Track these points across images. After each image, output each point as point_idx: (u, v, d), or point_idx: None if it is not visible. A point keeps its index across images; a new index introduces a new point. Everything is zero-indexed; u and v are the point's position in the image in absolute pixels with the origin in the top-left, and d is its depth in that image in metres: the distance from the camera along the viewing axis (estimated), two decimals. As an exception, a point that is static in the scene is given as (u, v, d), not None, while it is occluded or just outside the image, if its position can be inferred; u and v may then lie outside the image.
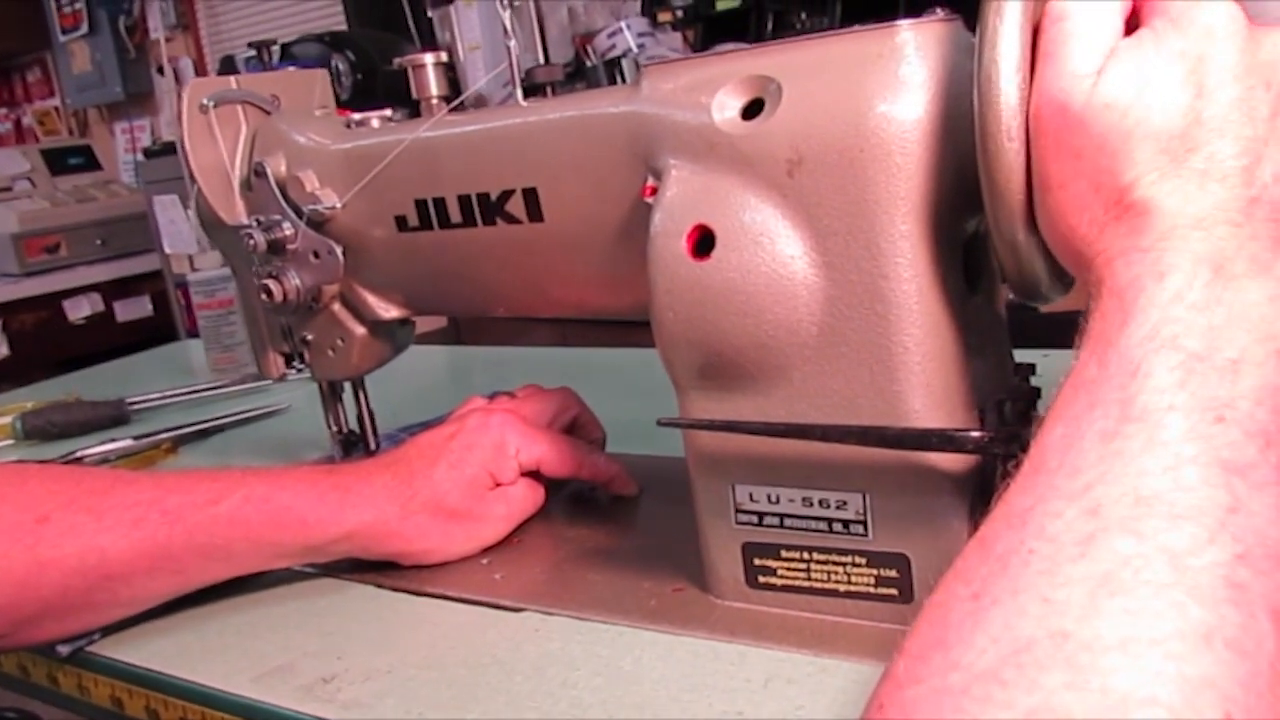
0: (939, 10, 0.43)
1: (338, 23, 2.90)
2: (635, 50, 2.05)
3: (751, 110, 0.44)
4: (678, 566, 0.53)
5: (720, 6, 2.04)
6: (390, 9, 2.46)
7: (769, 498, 0.46)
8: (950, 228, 0.42)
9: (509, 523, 0.59)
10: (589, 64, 2.05)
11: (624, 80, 1.89)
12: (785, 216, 0.43)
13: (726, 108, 0.45)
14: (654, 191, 0.47)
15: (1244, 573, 0.24)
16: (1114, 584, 0.24)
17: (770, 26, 2.00)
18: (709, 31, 2.11)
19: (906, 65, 0.41)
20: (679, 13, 2.10)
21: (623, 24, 2.10)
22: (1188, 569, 0.24)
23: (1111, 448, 0.27)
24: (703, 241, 0.44)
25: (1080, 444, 0.28)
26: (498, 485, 0.59)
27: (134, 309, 3.19)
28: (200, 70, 3.47)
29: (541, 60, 2.20)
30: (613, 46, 2.08)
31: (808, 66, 0.43)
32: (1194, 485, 0.26)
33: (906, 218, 0.41)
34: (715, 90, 0.45)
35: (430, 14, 2.41)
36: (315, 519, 0.54)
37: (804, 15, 1.99)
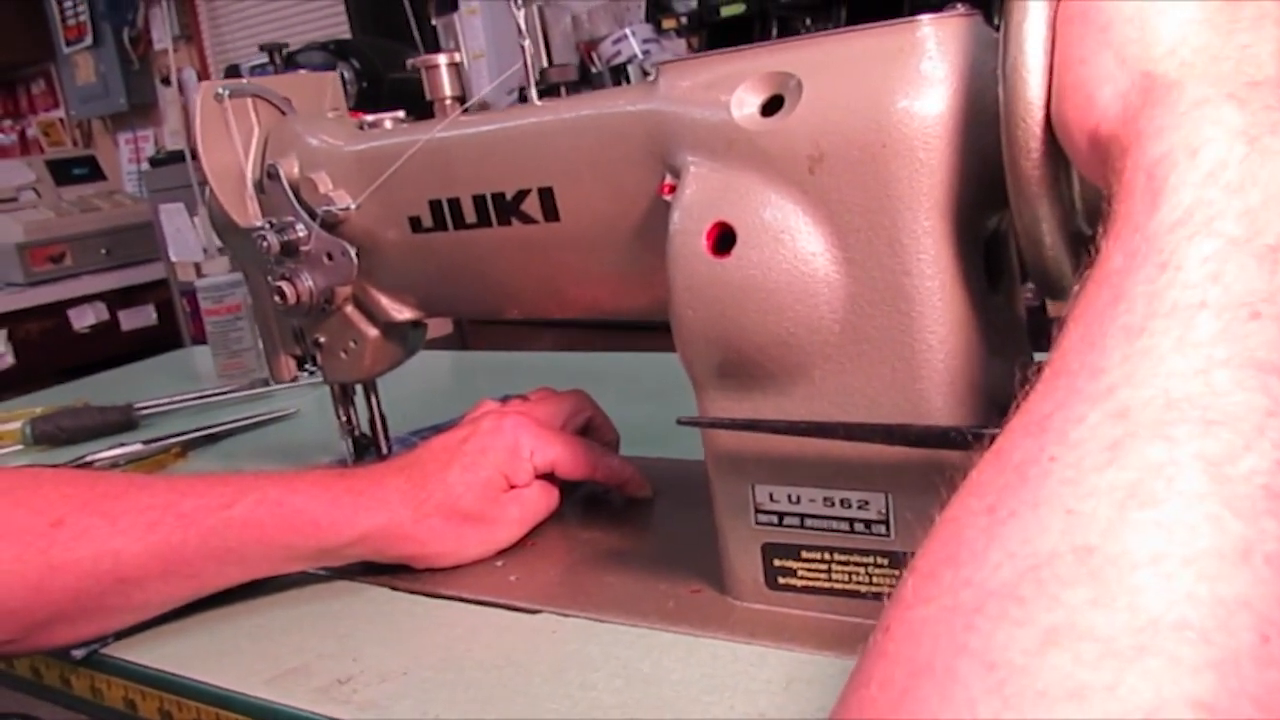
0: (959, 5, 0.43)
1: (341, 31, 2.91)
2: (640, 57, 2.05)
3: (771, 107, 0.44)
4: (694, 568, 0.52)
5: (725, 13, 2.04)
6: (394, 17, 2.46)
7: (789, 498, 0.46)
8: (972, 224, 0.42)
9: (523, 525, 0.59)
10: (594, 70, 2.05)
11: (629, 87, 1.89)
12: (806, 213, 0.42)
13: (746, 104, 0.44)
14: (672, 189, 0.46)
15: None
16: (1144, 494, 0.22)
17: (775, 33, 2.00)
18: (713, 38, 2.11)
19: (928, 60, 0.41)
20: (683, 19, 2.10)
21: (627, 30, 2.10)
22: (1224, 478, 0.22)
23: (1138, 346, 0.25)
24: (723, 239, 0.44)
25: (1103, 343, 0.25)
26: (512, 488, 0.59)
27: (138, 318, 3.19)
28: (204, 80, 3.47)
29: (544, 63, 2.20)
30: (618, 53, 2.08)
31: (828, 62, 0.43)
32: (1228, 389, 0.23)
33: (929, 214, 0.40)
34: (734, 87, 0.45)
35: (434, 22, 2.41)
36: (329, 522, 0.54)
37: (809, 21, 1.99)
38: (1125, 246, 0.27)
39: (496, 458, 0.58)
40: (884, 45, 0.42)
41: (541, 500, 0.60)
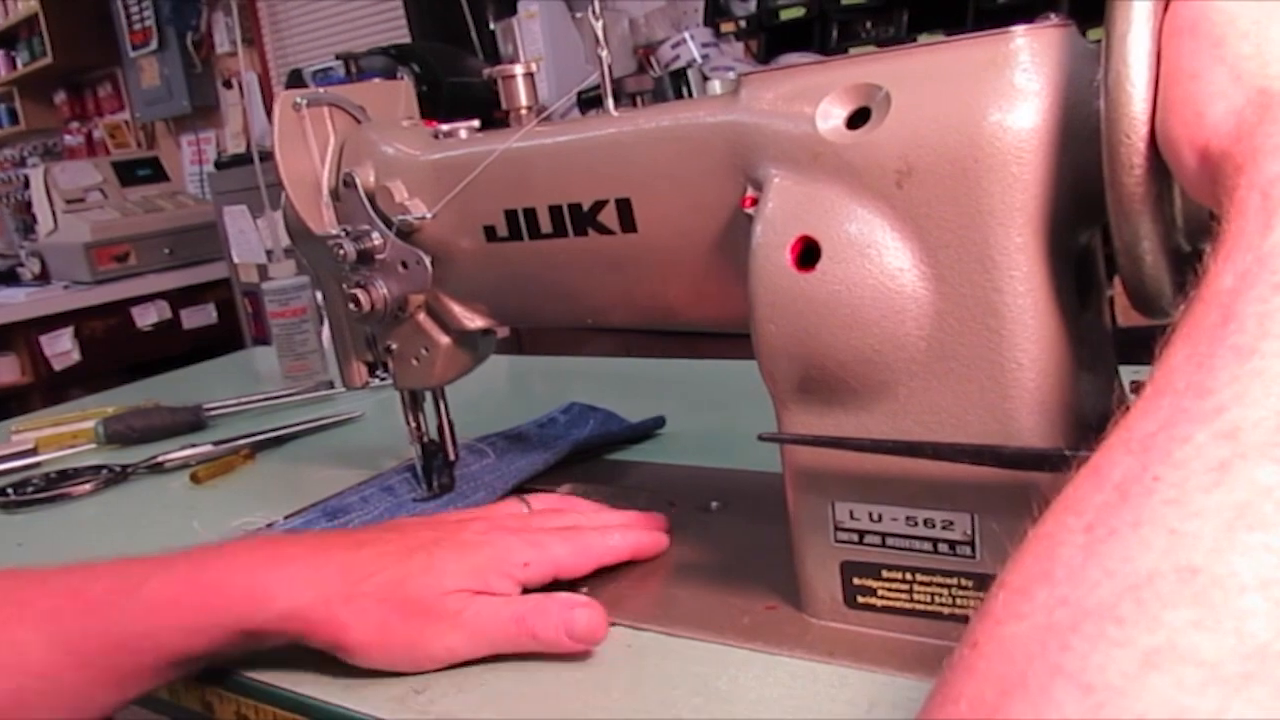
0: (1051, 16, 0.42)
1: (400, 36, 2.94)
2: (699, 61, 2.05)
3: (857, 119, 0.43)
4: (768, 583, 0.52)
5: (784, 16, 2.03)
6: (453, 22, 2.49)
7: (870, 516, 0.45)
8: (1064, 240, 0.41)
9: (484, 640, 0.48)
10: (652, 75, 2.05)
11: (689, 91, 1.88)
12: (893, 228, 0.42)
13: (831, 116, 0.44)
14: (754, 202, 0.46)
15: None
16: (1252, 517, 0.21)
17: (835, 36, 1.99)
18: (772, 41, 2.10)
19: (1022, 72, 0.40)
20: (742, 23, 2.10)
21: (686, 35, 2.09)
22: None
23: (1248, 367, 0.24)
24: (806, 253, 0.44)
25: (1212, 363, 0.24)
26: (485, 594, 0.49)
27: (199, 316, 3.25)
28: (265, 84, 3.53)
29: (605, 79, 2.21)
30: (676, 57, 2.08)
31: (917, 74, 0.42)
32: None
33: (1022, 230, 0.39)
34: (818, 99, 0.44)
35: (493, 27, 2.43)
36: (245, 596, 0.47)
37: (869, 24, 1.97)
38: (1237, 267, 0.26)
39: (475, 559, 0.50)
40: (975, 57, 0.41)
41: (516, 610, 0.48)
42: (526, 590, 0.51)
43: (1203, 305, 0.26)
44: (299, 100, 0.62)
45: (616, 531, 0.57)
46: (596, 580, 0.56)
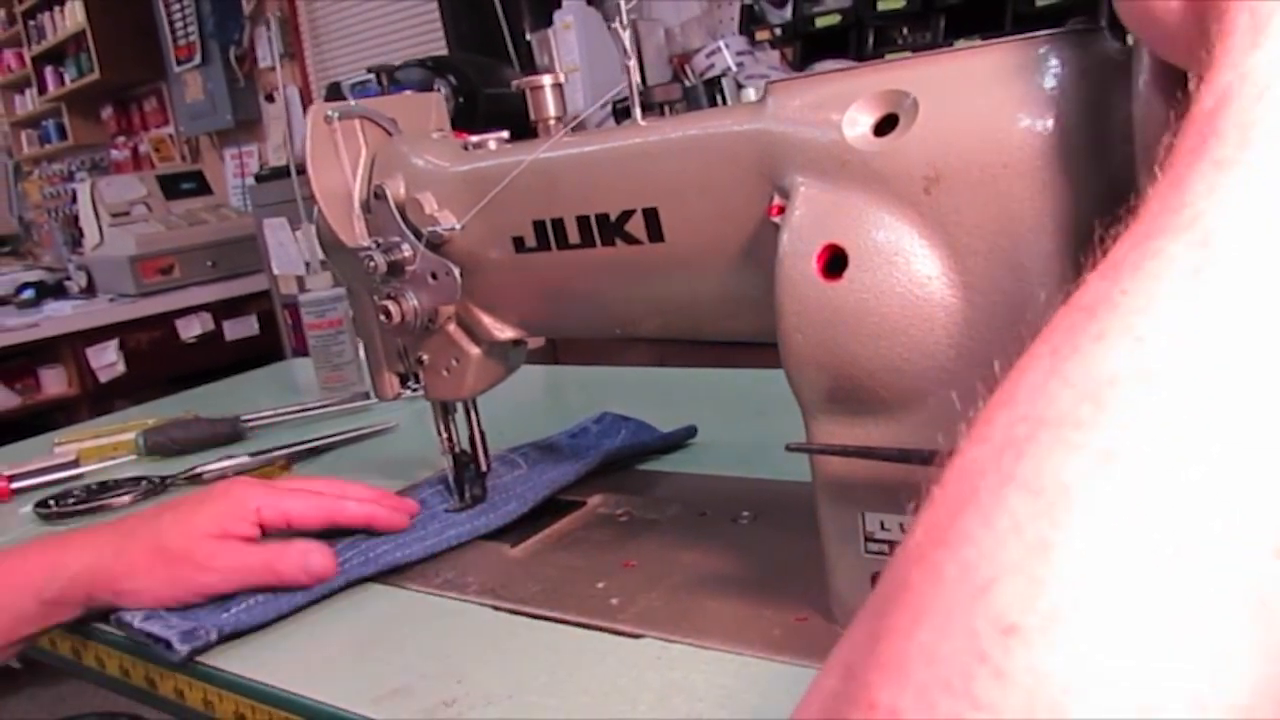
0: (1077, 20, 0.41)
1: (438, 48, 2.96)
2: (734, 69, 2.05)
3: (885, 126, 0.43)
4: (798, 594, 0.51)
5: (819, 24, 2.02)
6: (489, 34, 2.50)
7: (901, 527, 0.45)
8: (1096, 247, 0.40)
9: (238, 574, 0.58)
10: (687, 84, 2.05)
11: (724, 99, 1.88)
12: (922, 235, 0.41)
13: (858, 124, 0.43)
14: (781, 210, 0.46)
15: None
16: (1223, 320, 0.20)
17: (871, 43, 1.98)
18: (807, 49, 2.10)
19: (1051, 77, 0.39)
20: (777, 31, 2.09)
21: (721, 43, 2.09)
22: None
23: (1229, 176, 0.22)
24: (834, 261, 0.43)
25: (1189, 178, 0.23)
26: (228, 537, 0.59)
27: (242, 328, 3.29)
28: (306, 97, 3.58)
29: (639, 81, 2.21)
30: (711, 66, 2.08)
31: (944, 81, 0.42)
32: None
33: (1054, 236, 0.39)
34: (845, 106, 0.44)
35: (529, 38, 2.44)
36: (42, 566, 0.59)
37: (905, 30, 1.96)
38: (1218, 88, 0.24)
39: (214, 506, 0.60)
40: (1004, 62, 0.40)
41: (262, 555, 0.59)
42: (266, 532, 0.61)
43: (1182, 131, 0.24)
44: (330, 113, 0.63)
45: (353, 500, 0.65)
46: (626, 592, 0.56)
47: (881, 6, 1.93)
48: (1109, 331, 0.21)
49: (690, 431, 0.82)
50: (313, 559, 0.59)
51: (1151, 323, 0.21)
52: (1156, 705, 0.18)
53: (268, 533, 0.61)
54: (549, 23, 2.29)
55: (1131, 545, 0.19)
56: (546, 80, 0.59)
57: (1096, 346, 0.21)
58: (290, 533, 0.62)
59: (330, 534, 0.63)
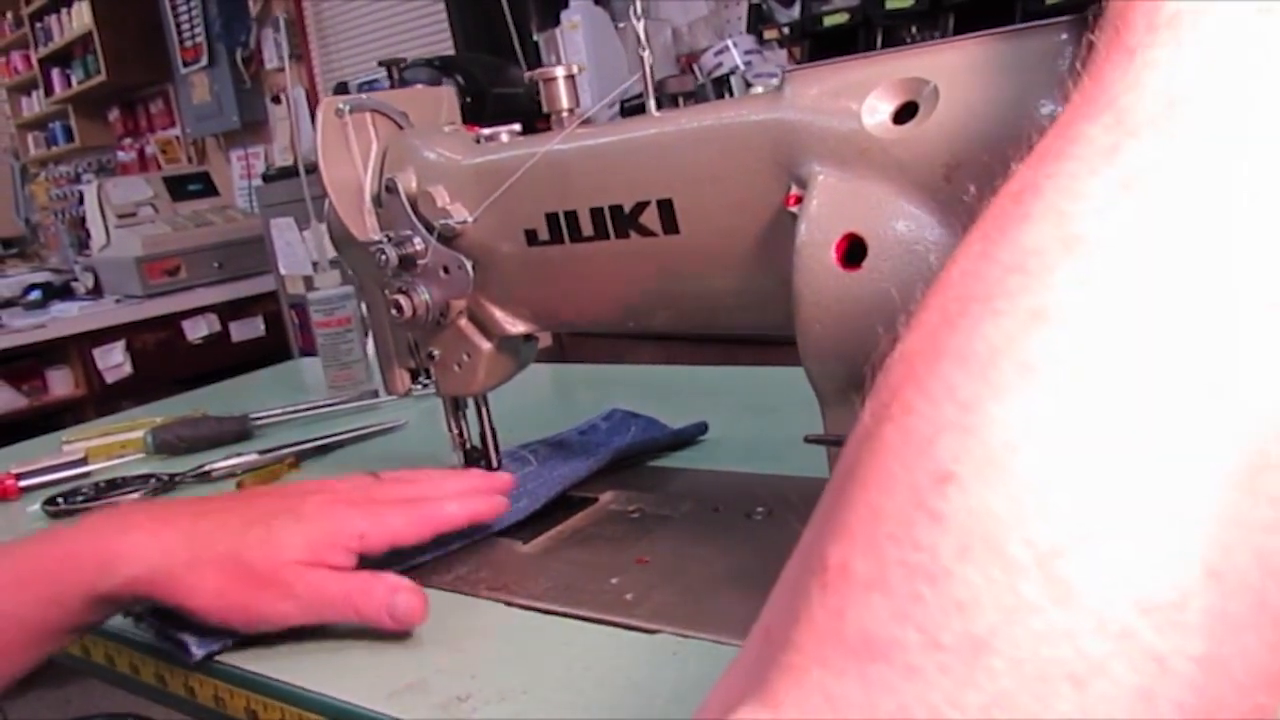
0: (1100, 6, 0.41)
1: (445, 49, 2.96)
2: (742, 68, 2.04)
3: (904, 114, 0.42)
4: (816, 590, 0.51)
5: (828, 22, 2.01)
6: (497, 34, 2.50)
7: (921, 520, 0.44)
8: (1121, 234, 0.40)
9: (313, 610, 0.52)
10: (696, 82, 2.05)
11: (732, 97, 1.87)
12: (942, 224, 0.41)
13: (878, 112, 0.43)
14: (798, 200, 0.45)
15: None
16: (1139, 187, 0.21)
17: (879, 42, 1.97)
18: (815, 48, 2.09)
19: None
20: (785, 30, 2.09)
21: (729, 42, 2.09)
22: (1227, 173, 0.21)
23: (1138, 59, 0.23)
24: (852, 251, 0.43)
25: (1104, 67, 0.24)
26: (320, 565, 0.53)
27: (248, 329, 3.30)
28: (312, 99, 3.58)
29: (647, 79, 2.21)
30: (719, 65, 2.07)
31: (965, 68, 0.41)
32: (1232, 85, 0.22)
33: (1077, 223, 0.38)
34: (864, 94, 0.43)
35: (536, 37, 2.44)
36: (95, 563, 0.50)
37: (914, 29, 1.95)
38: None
39: (311, 529, 0.53)
40: (1024, 49, 0.40)
41: (344, 586, 0.52)
42: (364, 560, 0.54)
43: (1099, 28, 0.25)
44: (342, 106, 0.62)
45: (454, 500, 0.59)
46: (640, 588, 0.55)
47: (890, 5, 1.92)
48: (1034, 213, 0.22)
49: (701, 428, 0.81)
50: (399, 600, 0.52)
51: (1073, 199, 0.22)
52: (1090, 535, 0.18)
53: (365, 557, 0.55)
54: (556, 22, 2.29)
55: (1061, 392, 0.19)
56: (559, 72, 0.59)
57: (1023, 226, 0.22)
58: None
59: None
